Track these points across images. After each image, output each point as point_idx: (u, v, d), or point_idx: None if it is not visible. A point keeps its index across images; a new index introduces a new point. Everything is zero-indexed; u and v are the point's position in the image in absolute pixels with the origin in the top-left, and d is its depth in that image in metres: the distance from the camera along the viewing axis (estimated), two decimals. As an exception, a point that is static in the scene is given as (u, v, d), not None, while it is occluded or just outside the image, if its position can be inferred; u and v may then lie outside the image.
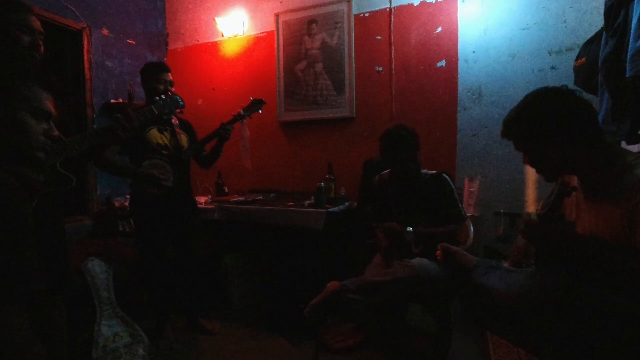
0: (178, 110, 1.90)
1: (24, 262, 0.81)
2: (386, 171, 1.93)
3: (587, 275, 0.95)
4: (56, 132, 1.14)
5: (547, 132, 1.00)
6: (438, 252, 1.39)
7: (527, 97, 1.06)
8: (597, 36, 1.70)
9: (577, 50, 1.88)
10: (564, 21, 2.25)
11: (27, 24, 1.32)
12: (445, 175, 1.79)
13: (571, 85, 1.57)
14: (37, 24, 1.36)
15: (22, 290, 0.79)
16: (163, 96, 1.67)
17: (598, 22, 2.01)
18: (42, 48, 1.38)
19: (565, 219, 1.13)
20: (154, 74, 2.03)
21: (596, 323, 0.89)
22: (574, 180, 1.11)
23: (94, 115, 2.83)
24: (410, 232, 1.68)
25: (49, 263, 1.40)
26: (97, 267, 1.99)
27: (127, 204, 2.75)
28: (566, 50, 2.24)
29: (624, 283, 0.89)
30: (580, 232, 1.06)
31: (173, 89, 2.08)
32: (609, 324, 0.88)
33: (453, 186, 1.78)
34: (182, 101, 1.81)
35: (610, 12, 1.51)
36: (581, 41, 1.94)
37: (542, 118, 1.00)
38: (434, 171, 1.82)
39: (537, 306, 0.94)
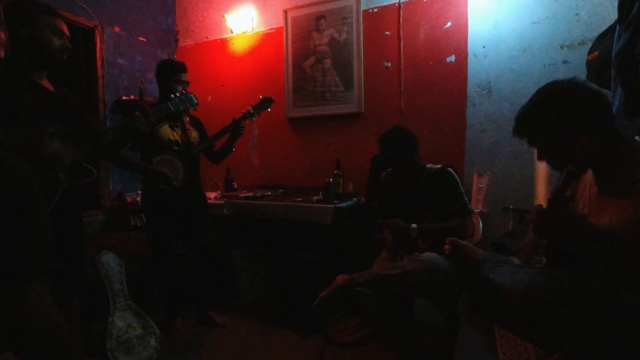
0: (192, 108, 1.95)
1: (37, 234, 0.81)
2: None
3: (597, 269, 0.94)
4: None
5: (564, 126, 0.98)
6: (446, 247, 1.39)
7: (538, 92, 1.04)
8: (610, 29, 1.67)
9: (590, 44, 1.85)
10: (577, 14, 2.21)
11: (59, 27, 1.40)
12: (450, 169, 1.78)
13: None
14: (65, 28, 1.44)
15: (35, 262, 0.79)
16: (178, 94, 1.72)
17: (612, 15, 1.97)
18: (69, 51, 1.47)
19: (574, 202, 1.10)
20: (173, 74, 2.02)
21: (602, 319, 0.88)
22: (589, 175, 1.09)
23: (106, 112, 2.88)
24: (414, 228, 1.68)
25: (67, 255, 1.44)
26: (110, 260, 2.04)
27: (138, 199, 2.80)
28: (578, 44, 2.20)
29: (635, 277, 0.88)
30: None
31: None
32: (616, 320, 0.87)
33: (458, 179, 1.77)
34: (196, 99, 1.85)
35: (624, 4, 1.48)
36: (594, 35, 1.91)
37: (558, 112, 0.99)
38: (439, 165, 1.82)
39: (541, 303, 0.94)
